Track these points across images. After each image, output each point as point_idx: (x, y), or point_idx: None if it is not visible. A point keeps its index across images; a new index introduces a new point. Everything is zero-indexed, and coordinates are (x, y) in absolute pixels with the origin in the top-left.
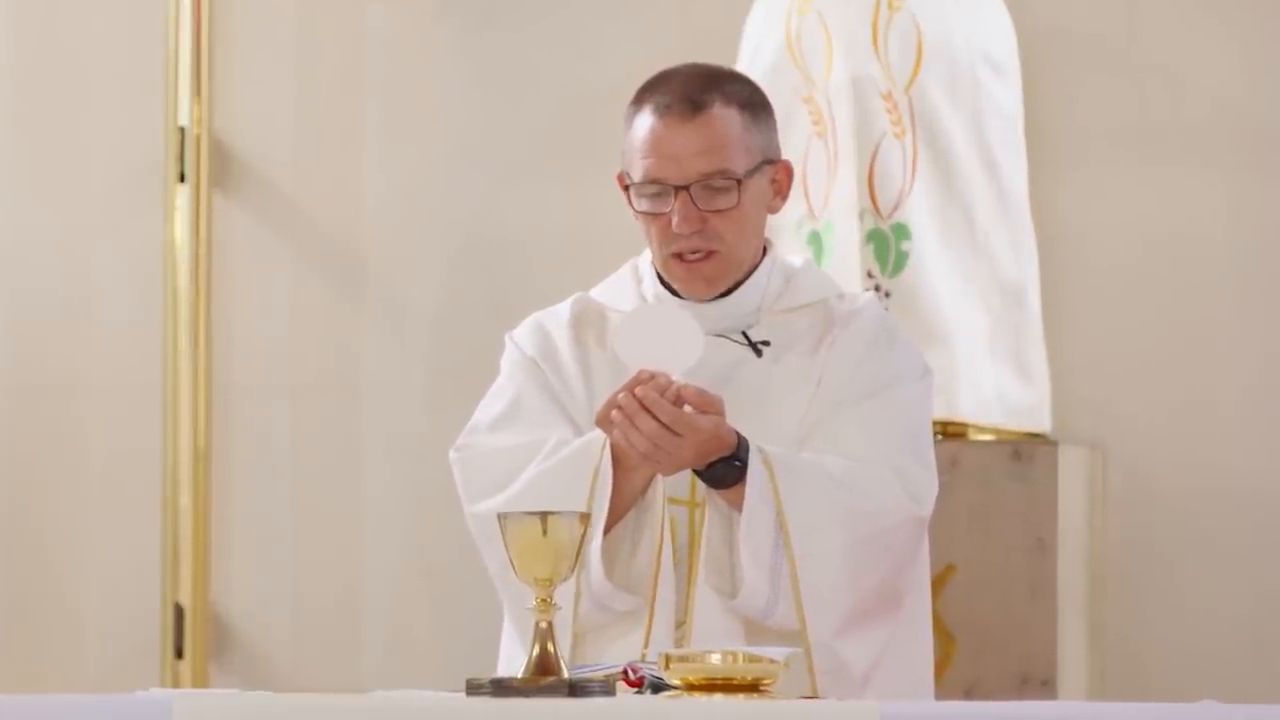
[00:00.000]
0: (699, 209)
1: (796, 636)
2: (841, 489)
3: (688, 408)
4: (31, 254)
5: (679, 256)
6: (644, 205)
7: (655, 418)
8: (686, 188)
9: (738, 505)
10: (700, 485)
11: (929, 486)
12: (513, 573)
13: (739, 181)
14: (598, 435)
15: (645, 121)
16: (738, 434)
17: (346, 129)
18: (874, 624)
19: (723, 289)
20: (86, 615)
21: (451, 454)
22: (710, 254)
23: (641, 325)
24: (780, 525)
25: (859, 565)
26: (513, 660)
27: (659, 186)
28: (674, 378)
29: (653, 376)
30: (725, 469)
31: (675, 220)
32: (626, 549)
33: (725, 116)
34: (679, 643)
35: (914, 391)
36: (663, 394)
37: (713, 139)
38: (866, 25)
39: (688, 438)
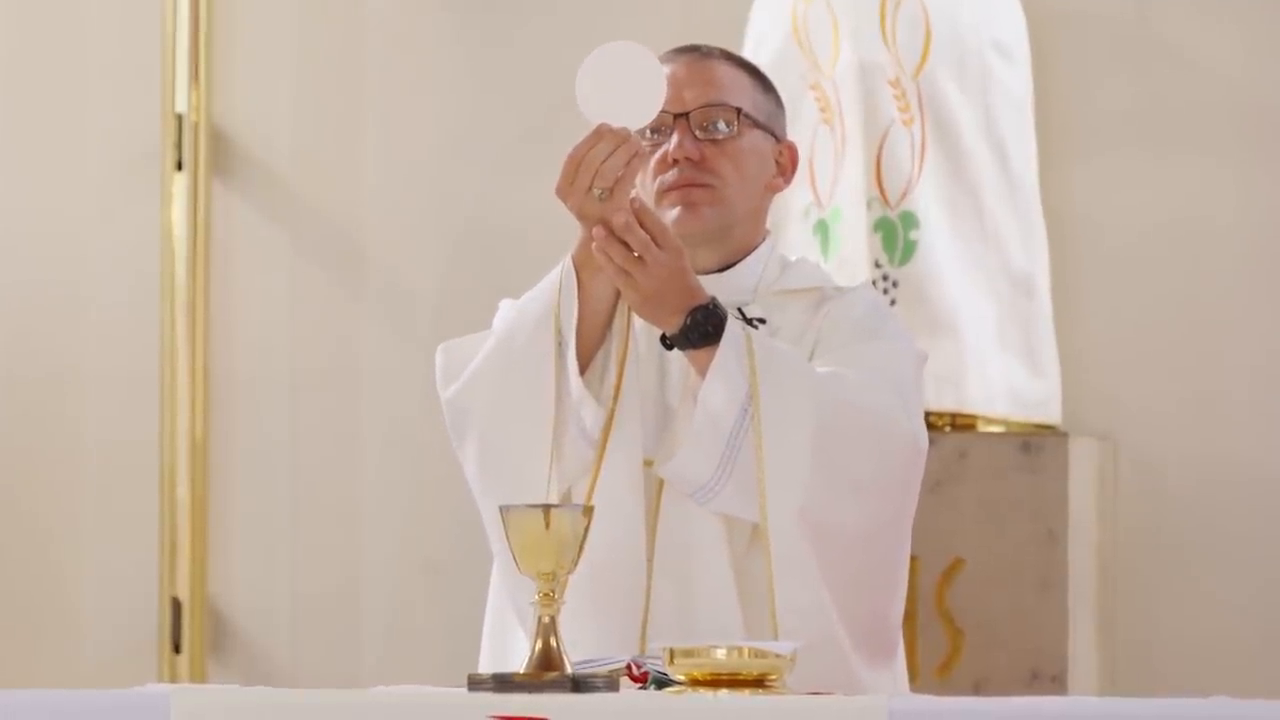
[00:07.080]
0: (697, 138)
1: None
2: (830, 378)
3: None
4: (27, 242)
5: (673, 189)
6: (647, 142)
7: (624, 244)
8: (685, 115)
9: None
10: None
11: (924, 431)
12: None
13: (739, 113)
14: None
15: None
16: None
17: (346, 116)
18: (841, 525)
19: (713, 225)
20: (83, 610)
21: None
22: (704, 186)
23: (603, 71)
24: (752, 393)
25: (833, 449)
26: (500, 613)
27: (661, 117)
28: (634, 130)
29: (612, 131)
30: (706, 316)
31: (672, 146)
32: (598, 374)
33: (733, 69)
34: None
35: (909, 355)
36: (618, 147)
37: (717, 78)
38: (874, 11)
39: (651, 266)
